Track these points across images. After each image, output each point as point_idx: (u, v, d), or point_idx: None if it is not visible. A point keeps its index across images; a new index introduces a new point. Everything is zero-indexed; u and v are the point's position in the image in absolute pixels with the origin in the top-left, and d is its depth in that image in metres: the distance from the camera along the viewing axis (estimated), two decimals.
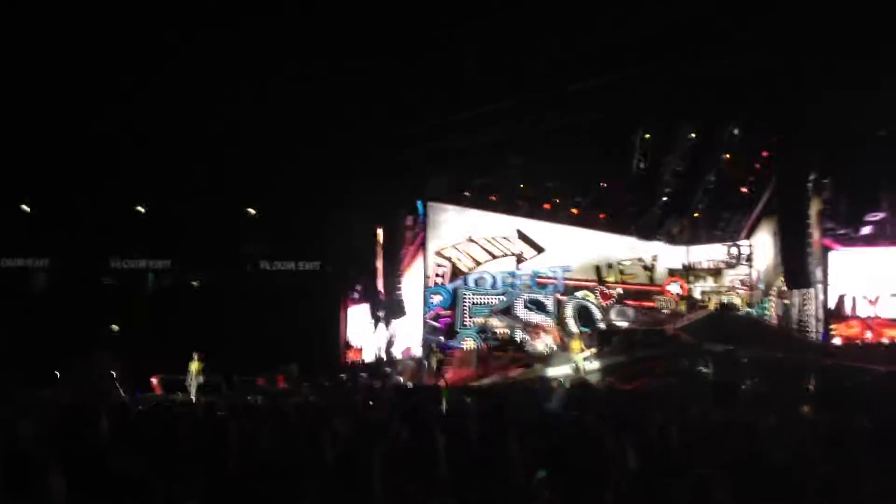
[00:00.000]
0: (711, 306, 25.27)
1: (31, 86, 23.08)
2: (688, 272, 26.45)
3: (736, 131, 23.44)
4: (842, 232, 20.78)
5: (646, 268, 26.74)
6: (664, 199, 25.60)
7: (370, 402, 12.30)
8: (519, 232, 26.94)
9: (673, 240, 26.63)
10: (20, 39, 20.33)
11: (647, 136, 24.42)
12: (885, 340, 19.50)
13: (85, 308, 32.10)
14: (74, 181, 30.93)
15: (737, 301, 25.27)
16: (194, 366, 20.79)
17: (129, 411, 7.71)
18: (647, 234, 26.48)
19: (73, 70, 22.71)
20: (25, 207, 35.82)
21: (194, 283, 36.93)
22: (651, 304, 26.48)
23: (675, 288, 26.43)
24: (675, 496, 3.54)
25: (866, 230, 20.60)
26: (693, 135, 23.95)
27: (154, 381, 21.49)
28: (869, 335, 19.82)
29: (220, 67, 21.98)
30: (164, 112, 24.53)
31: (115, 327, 32.95)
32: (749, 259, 25.49)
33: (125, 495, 2.76)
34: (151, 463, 3.40)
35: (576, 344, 21.79)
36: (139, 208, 35.57)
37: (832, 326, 20.40)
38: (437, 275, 26.79)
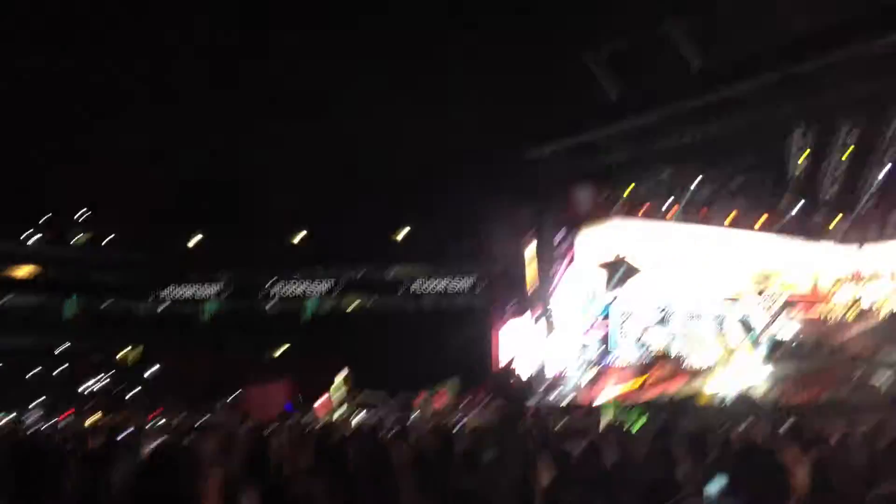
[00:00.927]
0: (886, 311, 23.76)
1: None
2: (857, 277, 24.99)
3: None
4: None
5: (811, 274, 25.42)
6: (829, 197, 24.34)
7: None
8: (672, 242, 26.19)
9: (840, 243, 25.22)
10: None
11: (806, 135, 23.33)
12: None
13: (249, 332, 33.66)
14: (233, 214, 32.57)
15: None
16: (339, 382, 21.18)
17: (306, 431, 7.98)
18: (811, 236, 25.22)
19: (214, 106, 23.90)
20: (194, 240, 38.00)
21: (352, 306, 38.10)
22: (818, 312, 25.12)
23: (844, 293, 25.00)
24: None
25: None
26: (854, 131, 22.74)
27: (318, 405, 22.18)
28: None
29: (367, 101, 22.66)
30: (313, 148, 25.49)
31: (277, 351, 34.34)
32: None
33: None
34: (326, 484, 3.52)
35: (736, 357, 21.01)
36: (298, 237, 37.08)
37: None
38: (590, 289, 26.40)
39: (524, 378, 27.06)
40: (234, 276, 40.42)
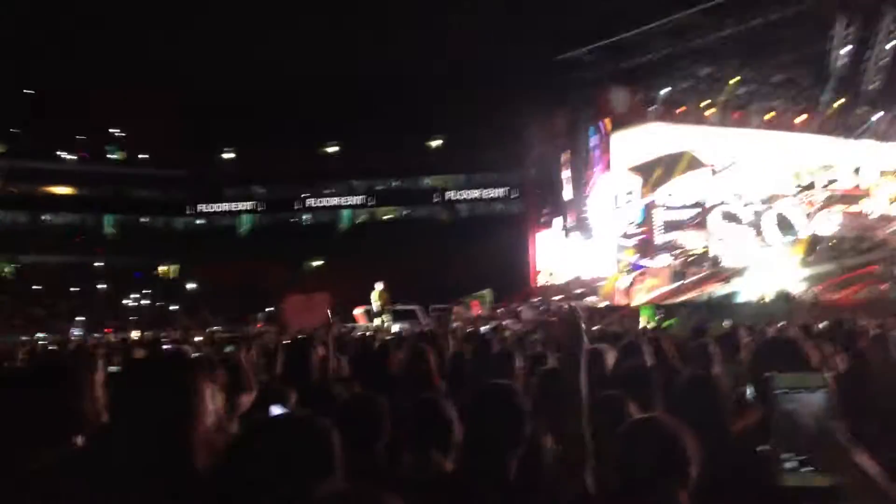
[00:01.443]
0: None
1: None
2: None
3: None
4: None
5: (852, 170, 24.88)
6: (870, 94, 23.62)
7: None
8: (711, 143, 25.72)
9: (881, 138, 24.56)
10: None
11: (849, 26, 22.49)
12: None
13: (285, 245, 33.95)
14: (267, 127, 32.50)
15: None
16: (376, 294, 21.23)
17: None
18: (852, 132, 24.59)
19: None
20: (228, 155, 38.06)
21: (386, 217, 38.16)
22: (858, 208, 24.69)
23: (885, 189, 24.50)
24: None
25: None
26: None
27: (357, 312, 22.39)
28: None
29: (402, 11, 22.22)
30: (345, 55, 25.18)
31: (314, 263, 34.62)
32: None
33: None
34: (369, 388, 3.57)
35: (774, 256, 20.83)
36: (328, 149, 36.97)
37: None
38: (626, 192, 26.16)
39: (560, 283, 27.16)
40: (268, 190, 40.65)
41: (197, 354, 5.47)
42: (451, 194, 37.96)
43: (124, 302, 33.03)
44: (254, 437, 1.99)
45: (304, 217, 40.34)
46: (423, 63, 24.74)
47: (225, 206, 41.22)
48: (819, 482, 1.50)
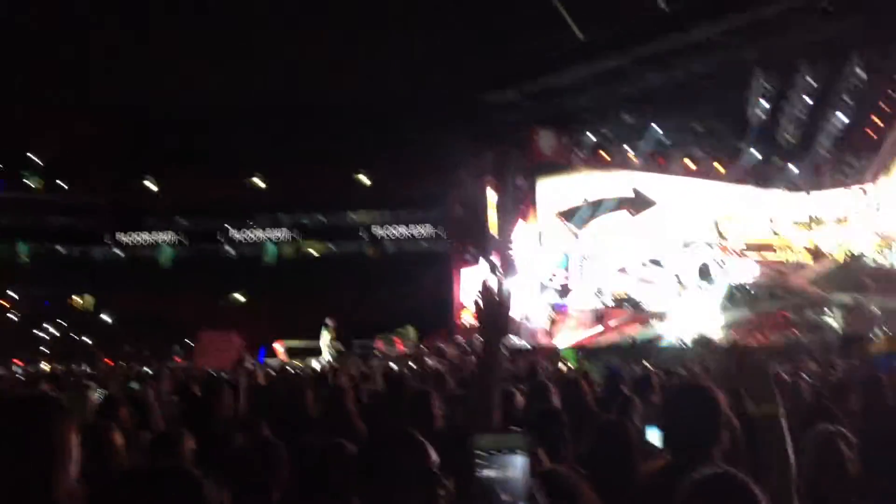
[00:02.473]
0: (838, 256, 24.20)
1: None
2: (812, 222, 25.34)
3: (858, 69, 22.14)
4: None
5: (768, 219, 25.73)
6: (785, 144, 24.50)
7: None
8: (635, 190, 26.33)
9: (796, 188, 25.49)
10: None
11: (764, 80, 23.33)
12: None
13: (207, 278, 33.37)
14: (191, 156, 32.06)
15: (866, 249, 24.09)
16: (327, 332, 21.12)
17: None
18: (767, 182, 25.46)
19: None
20: (151, 185, 37.37)
21: (311, 252, 37.85)
22: (774, 255, 25.49)
23: (798, 238, 25.38)
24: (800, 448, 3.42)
25: None
26: (813, 76, 22.78)
27: (278, 347, 22.11)
28: None
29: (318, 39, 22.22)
30: (271, 84, 25.02)
31: (238, 297, 34.08)
32: (878, 204, 24.20)
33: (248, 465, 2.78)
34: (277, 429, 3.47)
35: (694, 301, 21.33)
36: (257, 180, 36.61)
37: None
38: (549, 235, 26.54)
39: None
40: (190, 221, 39.90)
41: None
42: (377, 230, 37.87)
43: (36, 333, 31.92)
44: (117, 494, 1.84)
45: (227, 249, 39.66)
46: (352, 96, 24.71)
47: (145, 237, 40.30)
48: None
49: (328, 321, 21.29)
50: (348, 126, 26.85)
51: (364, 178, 35.14)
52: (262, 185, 37.24)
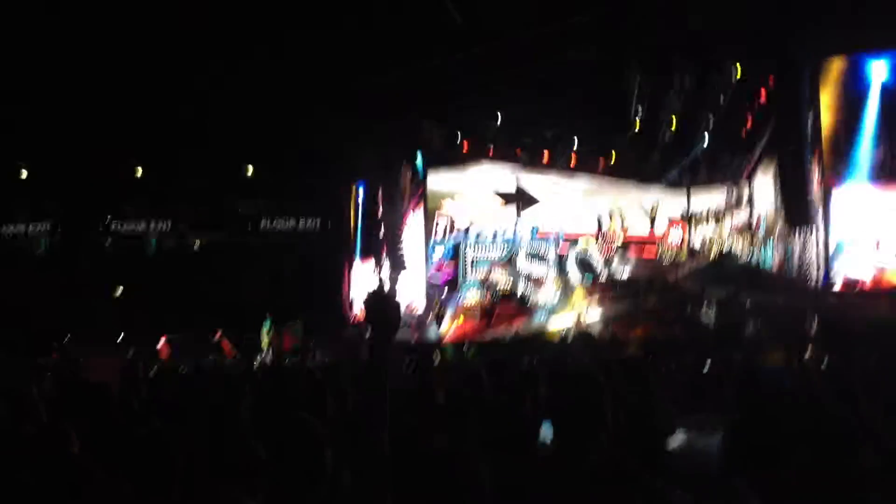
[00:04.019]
0: (713, 252, 25.31)
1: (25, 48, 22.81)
2: (688, 219, 26.40)
3: (734, 70, 23.07)
4: (844, 171, 20.52)
5: (646, 216, 26.66)
6: (663, 143, 25.38)
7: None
8: (518, 183, 26.84)
9: (673, 186, 26.49)
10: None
11: (645, 78, 24.02)
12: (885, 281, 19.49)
13: (86, 272, 32.17)
14: (68, 144, 30.78)
15: (738, 246, 25.27)
16: (266, 328, 20.91)
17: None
18: (646, 179, 26.35)
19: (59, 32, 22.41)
20: (24, 173, 35.70)
21: (195, 244, 36.93)
22: (652, 252, 26.45)
23: (676, 235, 26.41)
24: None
25: (868, 168, 20.34)
26: (690, 76, 23.61)
27: (161, 342, 21.58)
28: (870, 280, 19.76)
29: (207, 25, 21.69)
30: (155, 68, 24.26)
31: (117, 290, 32.98)
32: (750, 203, 25.38)
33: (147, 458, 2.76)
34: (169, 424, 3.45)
35: (576, 296, 21.90)
36: (136, 169, 35.40)
37: (834, 269, 20.33)
38: (436, 230, 26.72)
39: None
40: (67, 210, 38.27)
41: None
42: (264, 222, 37.26)
43: None
44: None
45: (107, 241, 38.24)
46: (237, 85, 24.20)
47: (19, 228, 38.49)
48: None
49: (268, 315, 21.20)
50: (235, 114, 26.28)
51: (251, 169, 34.50)
52: (143, 175, 36.07)
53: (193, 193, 35.69)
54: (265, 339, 21.15)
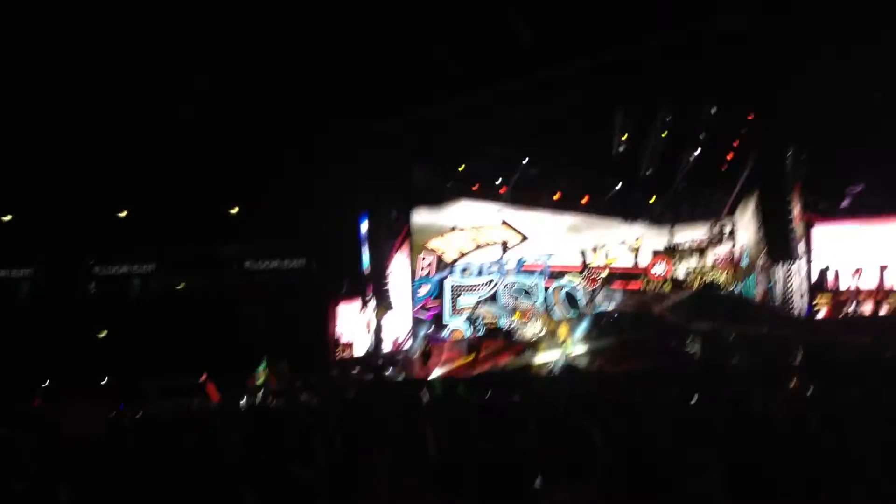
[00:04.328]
0: (696, 285, 25.46)
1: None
2: (672, 252, 26.57)
3: (714, 109, 23.44)
4: (823, 206, 20.85)
5: (630, 250, 26.82)
6: (646, 179, 25.63)
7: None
8: (503, 220, 26.99)
9: (656, 221, 26.70)
10: None
11: (626, 117, 24.35)
12: (867, 310, 19.69)
13: (71, 316, 31.91)
14: (50, 187, 30.66)
15: (721, 279, 25.45)
16: (262, 368, 20.87)
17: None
18: (630, 216, 26.56)
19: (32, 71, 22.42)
20: (6, 217, 35.51)
21: (179, 286, 36.76)
22: (637, 286, 26.57)
23: (659, 269, 26.56)
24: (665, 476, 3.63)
25: (847, 203, 20.69)
26: (671, 115, 23.94)
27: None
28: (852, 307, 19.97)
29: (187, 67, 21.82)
30: (138, 115, 24.31)
31: (102, 334, 32.74)
32: (732, 236, 25.62)
33: None
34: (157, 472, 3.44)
35: (562, 330, 21.92)
36: (120, 214, 35.31)
37: (816, 301, 20.54)
38: (422, 267, 26.77)
39: (359, 355, 27.22)
40: (49, 255, 38.02)
41: None
42: (248, 263, 37.14)
43: None
44: None
45: (90, 286, 38.00)
46: (220, 124, 24.24)
47: (2, 272, 38.18)
48: None
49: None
50: (218, 158, 26.32)
51: (234, 210, 34.48)
52: (127, 217, 35.94)
53: (177, 235, 35.57)
54: (261, 380, 21.05)
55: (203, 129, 25.01)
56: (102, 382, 22.88)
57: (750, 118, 22.48)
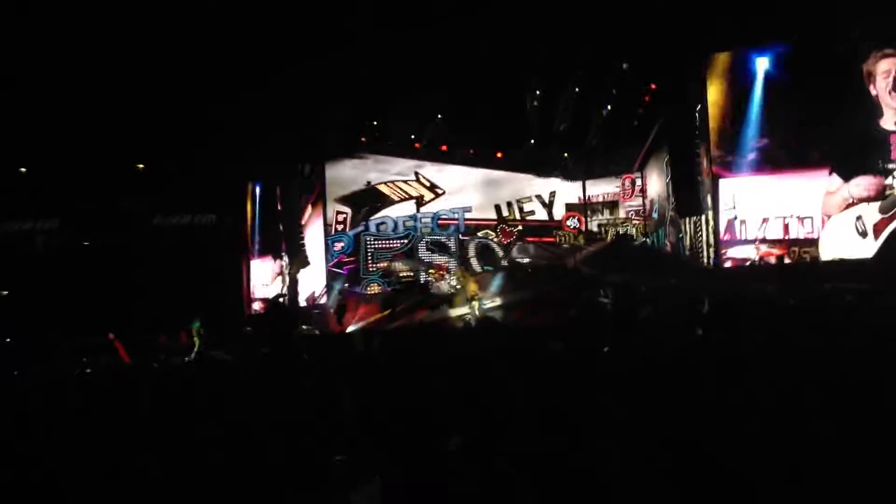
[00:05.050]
0: (609, 238, 25.95)
1: None
2: (585, 206, 26.97)
3: (625, 65, 23.68)
4: (729, 160, 21.34)
5: (544, 204, 27.12)
6: (559, 135, 25.85)
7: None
8: (417, 175, 26.92)
9: (569, 175, 27.02)
10: None
11: (539, 72, 24.42)
12: (771, 259, 20.36)
13: None
14: None
15: (633, 231, 25.99)
16: (196, 327, 20.45)
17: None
18: (544, 170, 26.81)
19: None
20: None
21: (86, 243, 35.66)
22: (551, 239, 26.95)
23: (573, 222, 26.96)
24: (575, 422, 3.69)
25: (752, 157, 21.22)
26: (584, 71, 24.12)
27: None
28: (757, 256, 20.62)
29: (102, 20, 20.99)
30: (45, 58, 23.32)
31: (3, 292, 31.60)
32: (642, 190, 26.13)
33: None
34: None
35: (478, 284, 22.08)
36: (22, 168, 33.99)
37: (722, 250, 21.13)
38: (338, 222, 26.57)
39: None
40: None
41: None
42: (157, 219, 36.19)
43: None
44: None
45: None
46: (132, 80, 23.45)
47: None
48: None
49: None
50: (127, 110, 25.44)
51: (142, 165, 33.51)
52: (29, 173, 34.59)
53: (81, 190, 34.39)
54: (196, 339, 20.79)
55: (113, 79, 24.13)
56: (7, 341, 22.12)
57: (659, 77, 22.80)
